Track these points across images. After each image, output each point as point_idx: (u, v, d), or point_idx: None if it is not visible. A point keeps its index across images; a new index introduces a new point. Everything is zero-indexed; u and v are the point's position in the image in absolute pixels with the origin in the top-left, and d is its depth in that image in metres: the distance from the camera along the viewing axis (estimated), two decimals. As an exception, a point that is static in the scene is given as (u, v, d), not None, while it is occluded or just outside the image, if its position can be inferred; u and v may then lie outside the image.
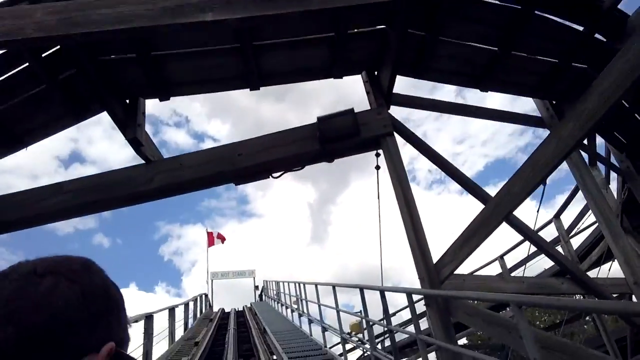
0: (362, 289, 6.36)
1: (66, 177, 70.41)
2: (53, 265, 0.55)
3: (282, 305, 16.46)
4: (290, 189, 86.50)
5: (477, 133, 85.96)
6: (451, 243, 4.68)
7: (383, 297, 5.71)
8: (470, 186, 5.13)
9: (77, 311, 0.52)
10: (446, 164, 5.19)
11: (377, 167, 5.58)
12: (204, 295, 22.04)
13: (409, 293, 4.97)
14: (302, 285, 12.06)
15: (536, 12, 4.75)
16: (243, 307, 20.75)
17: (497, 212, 4.50)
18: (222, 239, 29.54)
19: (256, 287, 28.07)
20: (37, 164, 76.80)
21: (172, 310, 12.21)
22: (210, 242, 28.68)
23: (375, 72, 5.53)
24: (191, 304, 16.48)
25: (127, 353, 0.60)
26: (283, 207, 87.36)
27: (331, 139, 4.90)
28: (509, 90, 5.95)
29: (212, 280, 27.50)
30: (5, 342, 0.46)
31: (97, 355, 0.52)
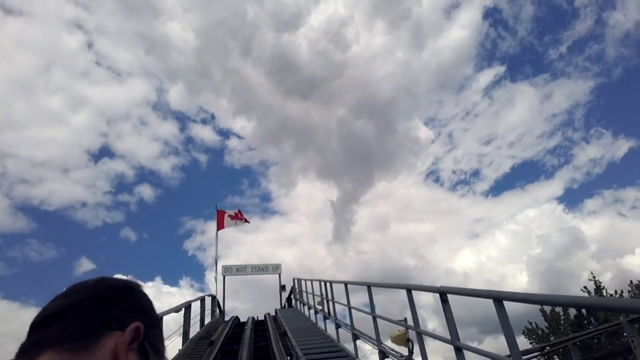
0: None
1: (96, 171, 68.37)
2: (112, 277, 0.81)
3: (325, 318, 10.35)
4: (314, 188, 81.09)
5: (504, 134, 78.75)
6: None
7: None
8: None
9: (109, 296, 0.73)
10: None
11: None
12: (210, 298, 16.17)
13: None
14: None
15: None
16: (265, 317, 14.73)
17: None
18: (240, 218, 22.71)
19: (282, 287, 22.01)
20: (68, 158, 75.81)
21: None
22: (220, 224, 22.39)
23: None
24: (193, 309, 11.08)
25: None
26: (306, 205, 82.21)
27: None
28: None
29: (223, 277, 21.40)
30: (57, 307, 0.70)
31: (123, 333, 0.69)
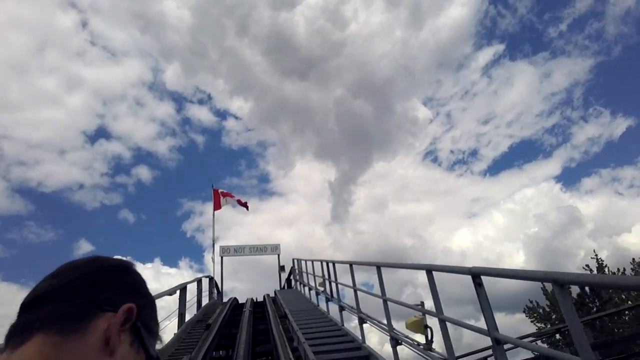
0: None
1: (93, 153, 67.65)
2: (104, 257, 0.76)
3: (327, 300, 9.81)
4: (312, 169, 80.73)
5: (503, 113, 78.23)
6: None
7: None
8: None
9: (101, 277, 0.70)
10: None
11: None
12: (208, 280, 15.67)
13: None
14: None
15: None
16: (264, 298, 14.26)
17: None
18: (240, 203, 21.99)
19: (282, 268, 21.54)
20: (64, 140, 75.05)
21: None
22: (217, 204, 21.63)
23: None
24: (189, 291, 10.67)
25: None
26: (304, 186, 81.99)
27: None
28: None
29: (221, 258, 20.86)
30: (47, 288, 0.67)
31: (115, 315, 0.66)
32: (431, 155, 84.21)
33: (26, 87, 65.12)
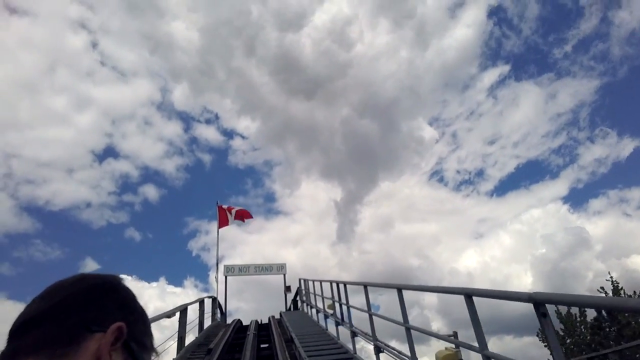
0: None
1: (101, 171, 68.09)
2: (90, 274, 0.75)
3: (337, 324, 9.19)
4: (317, 188, 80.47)
5: (509, 133, 77.97)
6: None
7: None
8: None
9: (88, 297, 0.68)
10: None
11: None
12: (211, 300, 15.04)
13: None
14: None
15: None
16: (269, 320, 13.60)
17: None
18: (245, 215, 21.36)
19: (287, 288, 20.81)
20: (72, 158, 75.35)
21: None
22: (223, 221, 20.98)
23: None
24: (191, 312, 10.06)
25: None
26: (310, 205, 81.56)
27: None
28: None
29: (225, 278, 20.15)
30: (34, 312, 0.65)
31: (104, 335, 0.64)
32: (437, 175, 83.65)
33: (36, 106, 65.74)
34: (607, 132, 68.35)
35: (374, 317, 6.53)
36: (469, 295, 3.36)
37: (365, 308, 7.14)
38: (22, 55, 61.11)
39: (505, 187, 79.50)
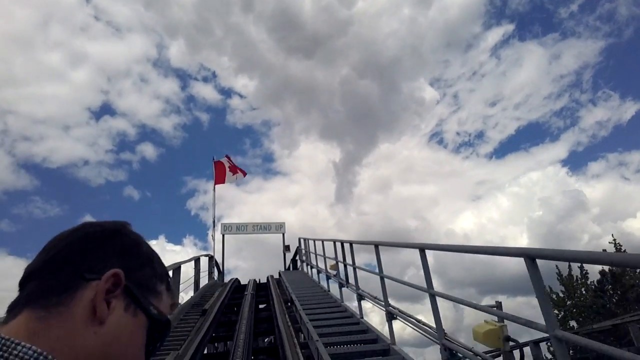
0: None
1: (97, 129, 66.76)
2: (93, 222, 0.72)
3: (341, 286, 8.50)
4: (316, 149, 79.54)
5: (511, 95, 76.16)
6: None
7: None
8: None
9: (85, 245, 0.66)
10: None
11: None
12: (207, 258, 14.42)
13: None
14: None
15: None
16: (268, 280, 13.03)
17: None
18: (237, 170, 20.22)
19: (287, 248, 20.27)
20: (68, 115, 74.06)
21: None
22: (219, 177, 19.96)
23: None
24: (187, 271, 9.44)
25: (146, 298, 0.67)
26: (308, 166, 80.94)
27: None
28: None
29: (222, 236, 19.53)
30: (36, 264, 0.65)
31: (98, 282, 0.62)
32: (437, 137, 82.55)
33: (30, 61, 63.82)
34: (610, 94, 66.87)
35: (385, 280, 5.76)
36: (530, 256, 2.55)
37: (372, 270, 6.44)
38: (14, 10, 58.66)
39: (505, 149, 78.70)
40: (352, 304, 7.79)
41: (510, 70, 78.19)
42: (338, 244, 8.70)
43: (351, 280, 7.71)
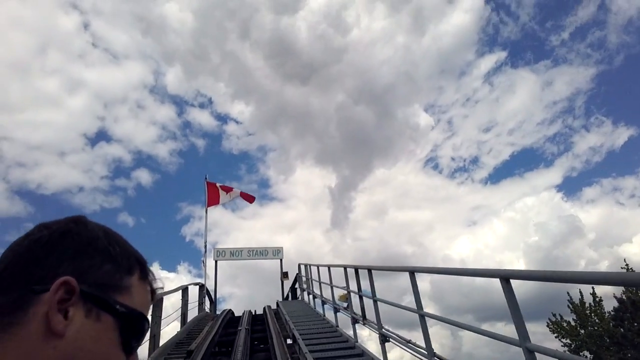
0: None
1: (93, 155, 65.92)
2: (44, 223, 0.63)
3: (355, 321, 7.07)
4: (312, 174, 79.12)
5: (504, 121, 77.01)
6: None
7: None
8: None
9: (34, 253, 0.58)
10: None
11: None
12: (197, 287, 12.93)
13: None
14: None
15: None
16: (264, 311, 11.55)
17: None
18: (232, 189, 18.76)
19: (285, 275, 18.74)
20: (64, 142, 73.10)
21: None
22: (212, 199, 18.29)
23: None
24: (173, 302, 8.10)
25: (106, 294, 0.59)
26: (304, 191, 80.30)
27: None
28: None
29: (215, 262, 17.94)
30: None
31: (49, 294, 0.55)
32: (432, 162, 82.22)
33: (27, 88, 63.23)
34: (602, 120, 67.22)
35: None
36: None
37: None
38: (12, 36, 58.31)
39: (500, 174, 78.34)
40: (367, 344, 6.40)
41: (504, 97, 78.85)
42: (350, 270, 7.31)
43: (369, 315, 6.33)
